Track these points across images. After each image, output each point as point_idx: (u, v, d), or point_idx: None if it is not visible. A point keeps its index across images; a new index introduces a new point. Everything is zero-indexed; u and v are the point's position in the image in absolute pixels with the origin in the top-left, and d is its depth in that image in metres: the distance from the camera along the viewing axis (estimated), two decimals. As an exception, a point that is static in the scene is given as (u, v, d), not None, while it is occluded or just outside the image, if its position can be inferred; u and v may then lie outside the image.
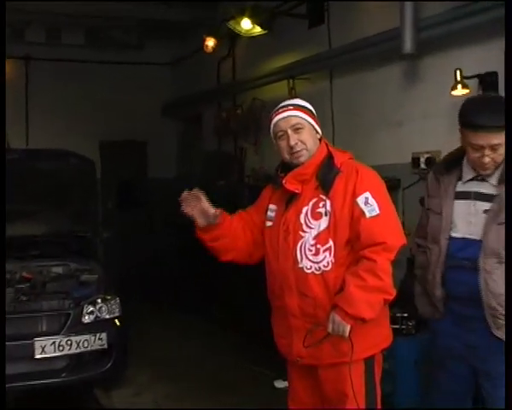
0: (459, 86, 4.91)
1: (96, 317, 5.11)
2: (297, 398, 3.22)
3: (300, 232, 2.99)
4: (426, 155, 5.63)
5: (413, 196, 5.86)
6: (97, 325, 5.06)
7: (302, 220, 3.00)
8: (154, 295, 8.74)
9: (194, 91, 9.91)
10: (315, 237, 2.95)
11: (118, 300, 5.31)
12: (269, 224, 3.16)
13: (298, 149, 3.04)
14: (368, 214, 2.86)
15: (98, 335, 4.99)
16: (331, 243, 2.94)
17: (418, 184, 5.78)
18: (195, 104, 10.19)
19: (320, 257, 2.94)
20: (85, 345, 4.92)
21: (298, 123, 3.06)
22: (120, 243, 9.08)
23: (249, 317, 6.69)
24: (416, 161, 5.76)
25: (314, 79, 7.20)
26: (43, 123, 9.76)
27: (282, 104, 3.19)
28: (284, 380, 5.11)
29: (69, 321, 4.97)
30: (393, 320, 4.55)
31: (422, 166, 5.66)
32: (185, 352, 6.58)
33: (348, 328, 2.80)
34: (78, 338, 4.90)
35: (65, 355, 4.89)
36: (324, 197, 2.97)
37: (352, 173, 2.96)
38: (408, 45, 5.27)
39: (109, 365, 5.08)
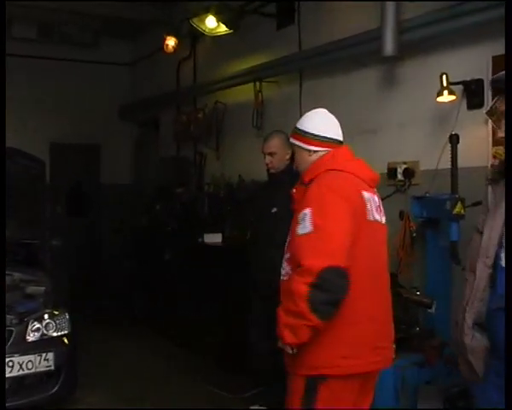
0: (445, 92, 4.60)
1: (43, 335, 4.60)
2: None
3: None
4: (403, 166, 5.30)
5: (388, 208, 5.50)
6: (43, 344, 4.55)
7: None
8: (105, 309, 8.24)
9: (153, 94, 9.47)
10: (286, 247, 3.08)
11: (67, 315, 4.81)
12: None
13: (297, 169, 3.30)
14: (299, 232, 2.83)
15: (44, 355, 4.49)
16: (288, 254, 3.02)
17: (394, 196, 5.44)
18: (153, 107, 9.78)
19: (285, 266, 3.05)
20: (29, 367, 4.41)
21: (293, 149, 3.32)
22: (69, 251, 8.73)
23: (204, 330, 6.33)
24: (392, 171, 5.42)
25: (282, 82, 6.83)
26: (-14, 121, 9.12)
27: None
28: (261, 405, 4.72)
29: (11, 339, 4.44)
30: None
31: (399, 177, 5.33)
32: (142, 371, 6.13)
33: (288, 348, 2.82)
34: (21, 359, 4.38)
35: (6, 378, 4.34)
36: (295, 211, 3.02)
37: (310, 187, 2.96)
38: (389, 47, 4.94)
39: (56, 388, 4.57)
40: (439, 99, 4.69)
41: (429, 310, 4.55)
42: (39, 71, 9.55)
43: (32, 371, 4.43)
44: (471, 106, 4.74)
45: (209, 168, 8.21)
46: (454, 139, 4.43)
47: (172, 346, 6.84)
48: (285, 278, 3.00)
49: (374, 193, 3.12)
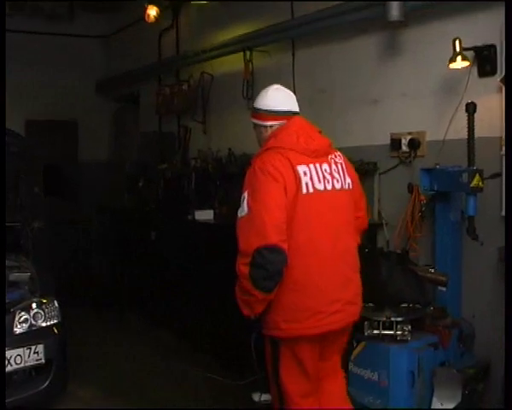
0: (458, 58, 4.31)
1: (31, 325, 4.27)
2: None
3: None
4: (408, 137, 5.03)
5: (391, 181, 5.29)
6: (32, 336, 4.22)
7: None
8: (94, 295, 7.88)
9: (132, 67, 9.04)
10: None
11: (56, 303, 4.47)
12: None
13: None
14: (238, 215, 3.05)
15: (33, 348, 4.15)
16: None
17: (398, 168, 5.19)
18: (133, 81, 9.35)
19: None
20: (18, 361, 4.08)
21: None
22: (50, 234, 8.37)
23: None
24: (395, 142, 5.15)
25: (274, 51, 6.49)
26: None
27: None
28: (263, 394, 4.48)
29: (-3, 332, 4.10)
30: (387, 325, 3.98)
31: (404, 148, 5.06)
32: (135, 360, 5.80)
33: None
34: (8, 353, 4.04)
35: (-8, 375, 4.03)
36: None
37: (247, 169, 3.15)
38: (395, 12, 4.63)
39: (47, 383, 4.24)
40: (452, 66, 4.41)
41: (443, 288, 4.33)
42: (11, 45, 9.03)
43: (21, 365, 4.10)
44: (483, 73, 4.46)
45: (195, 143, 7.84)
46: (471, 108, 4.16)
47: (165, 333, 6.48)
48: None
49: (325, 161, 3.22)
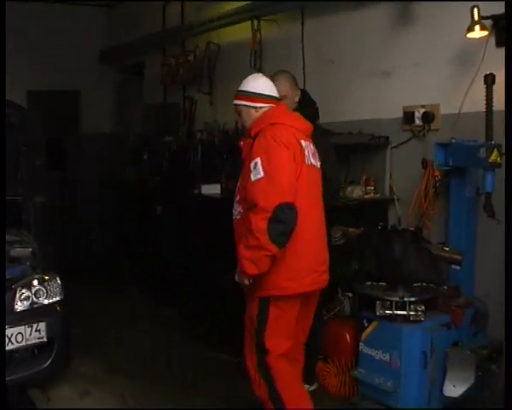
0: (477, 27, 4.13)
1: (32, 303, 4.11)
2: None
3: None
4: (421, 110, 4.86)
5: (403, 156, 5.13)
6: (34, 314, 4.08)
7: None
8: (96, 271, 7.75)
9: (136, 36, 8.81)
10: (236, 190, 3.59)
11: (58, 279, 4.33)
12: None
13: (243, 128, 3.81)
14: (253, 178, 3.29)
15: (35, 326, 4.01)
16: (238, 197, 3.54)
17: (410, 142, 5.03)
18: (137, 51, 9.09)
19: (236, 207, 3.55)
20: (19, 339, 3.93)
21: (236, 110, 3.68)
22: (52, 208, 8.24)
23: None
24: (408, 116, 5.00)
25: (282, 20, 6.29)
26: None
27: None
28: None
29: (-3, 310, 3.97)
30: (399, 305, 3.86)
31: (417, 121, 4.90)
32: (138, 337, 5.67)
33: (245, 279, 3.36)
34: (9, 331, 3.90)
35: (-7, 353, 3.91)
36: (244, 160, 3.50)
37: (257, 139, 3.41)
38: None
39: (49, 361, 4.09)
40: (470, 35, 4.23)
41: (457, 267, 4.19)
42: (10, 13, 8.81)
43: (23, 344, 3.96)
44: (501, 43, 4.28)
45: (201, 115, 7.67)
46: (489, 79, 3.99)
47: (169, 310, 6.34)
48: (238, 217, 3.51)
49: (309, 141, 3.58)
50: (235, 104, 3.67)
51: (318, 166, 3.61)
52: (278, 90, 4.24)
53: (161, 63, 8.16)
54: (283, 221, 3.20)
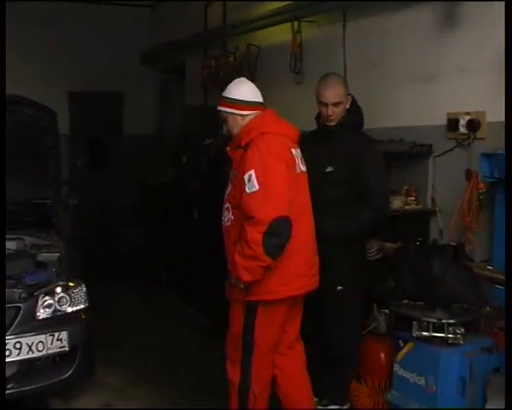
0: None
1: (55, 311, 4.03)
2: None
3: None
4: (466, 117, 4.59)
5: (447, 165, 4.86)
6: (56, 322, 3.99)
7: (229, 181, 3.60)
8: (126, 275, 7.68)
9: (178, 37, 8.71)
10: (225, 198, 3.60)
11: (83, 287, 4.23)
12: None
13: (228, 134, 3.69)
14: (248, 190, 3.34)
15: (57, 335, 3.92)
16: (228, 204, 3.55)
17: (454, 151, 4.76)
18: (179, 52, 9.05)
19: (225, 214, 3.58)
20: (40, 348, 3.86)
21: (221, 117, 3.67)
22: (89, 210, 8.23)
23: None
24: (452, 123, 4.71)
25: (323, 22, 6.08)
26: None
27: None
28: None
29: (19, 317, 3.87)
30: (437, 327, 3.61)
31: (462, 129, 4.63)
32: (170, 347, 5.53)
33: (240, 284, 3.42)
34: (30, 340, 3.83)
35: (13, 361, 3.81)
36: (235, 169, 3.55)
37: (249, 150, 3.42)
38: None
39: (70, 372, 4.00)
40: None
41: (501, 287, 3.91)
42: (53, 14, 8.86)
43: (44, 352, 3.87)
44: (554, 46, 3.98)
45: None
46: (541, 84, 3.69)
47: (203, 317, 6.22)
48: (228, 224, 3.56)
49: (297, 148, 3.63)
50: (220, 110, 3.64)
51: (305, 170, 3.65)
52: (334, 96, 4.07)
53: (202, 65, 8.04)
54: (278, 234, 3.29)
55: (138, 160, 9.37)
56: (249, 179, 3.31)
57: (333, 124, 4.08)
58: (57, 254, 4.48)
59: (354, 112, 4.19)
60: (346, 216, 3.91)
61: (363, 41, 5.68)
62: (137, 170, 9.15)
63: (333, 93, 4.03)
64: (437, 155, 4.91)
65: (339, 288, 3.99)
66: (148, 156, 9.39)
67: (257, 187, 3.29)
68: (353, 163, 3.95)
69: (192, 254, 6.82)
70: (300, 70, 6.24)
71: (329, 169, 3.99)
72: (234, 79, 7.30)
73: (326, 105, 4.03)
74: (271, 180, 3.32)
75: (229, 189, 3.58)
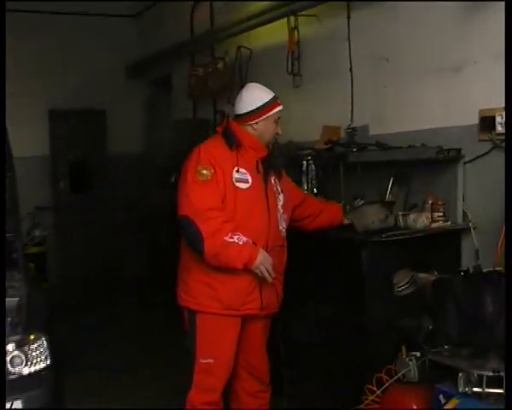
0: None
1: (7, 374, 3.23)
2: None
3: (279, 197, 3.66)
4: (504, 113, 3.82)
5: (481, 172, 4.10)
6: (8, 388, 3.17)
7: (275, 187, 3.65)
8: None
9: (163, 47, 8.05)
10: (282, 206, 3.65)
11: (44, 341, 3.41)
12: (244, 186, 3.48)
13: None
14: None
15: (8, 405, 3.11)
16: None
17: (490, 155, 3.99)
18: (164, 62, 8.41)
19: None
20: (-15, 425, 3.05)
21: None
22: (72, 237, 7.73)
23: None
24: (486, 121, 3.97)
25: (324, 15, 5.36)
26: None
27: None
28: None
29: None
30: (493, 380, 2.82)
31: (499, 128, 3.86)
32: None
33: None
34: (-28, 415, 3.02)
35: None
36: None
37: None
38: None
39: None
40: None
41: None
42: (37, 27, 8.35)
43: (-10, 430, 3.08)
44: None
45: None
46: None
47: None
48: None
49: None
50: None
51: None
52: None
53: (189, 74, 7.35)
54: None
55: (124, 180, 8.85)
56: None
57: None
58: (16, 300, 3.68)
59: None
60: None
61: (372, 33, 4.96)
62: (124, 191, 8.67)
63: None
64: (468, 161, 4.16)
65: None
66: (134, 176, 8.85)
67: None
68: None
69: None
70: (298, 70, 5.62)
71: None
72: (224, 86, 6.78)
73: None
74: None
75: (281, 198, 3.63)
